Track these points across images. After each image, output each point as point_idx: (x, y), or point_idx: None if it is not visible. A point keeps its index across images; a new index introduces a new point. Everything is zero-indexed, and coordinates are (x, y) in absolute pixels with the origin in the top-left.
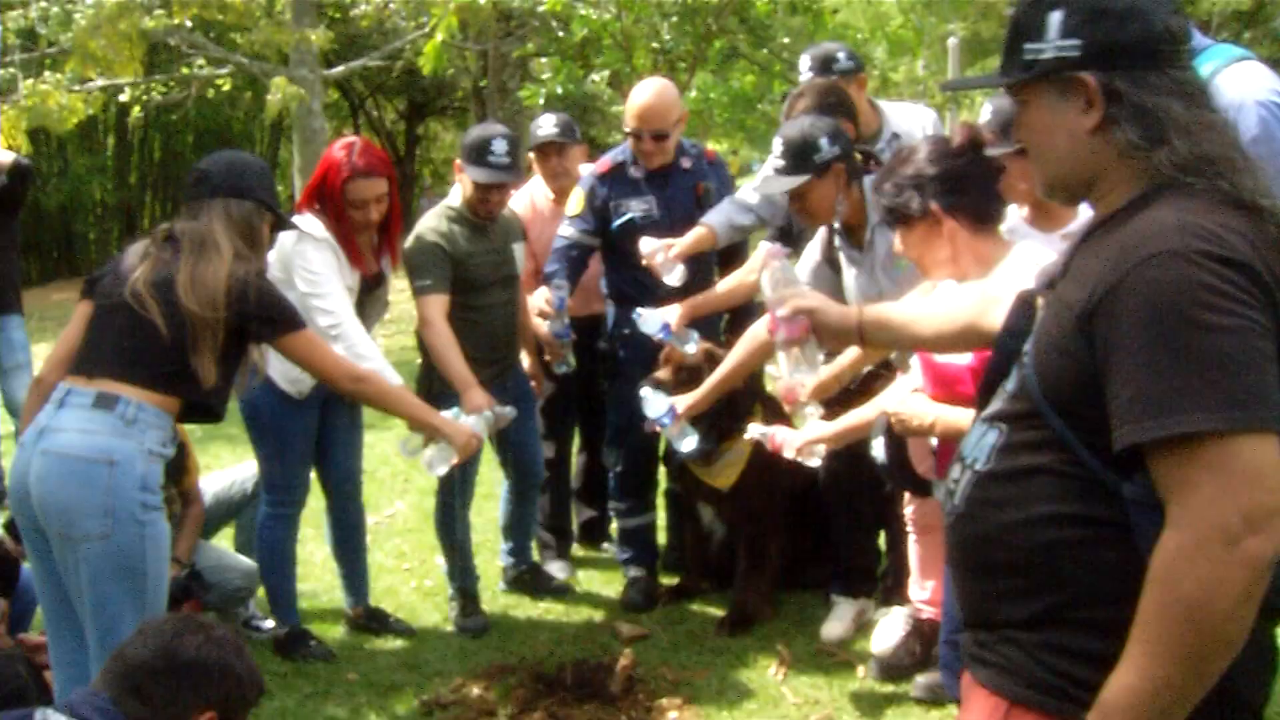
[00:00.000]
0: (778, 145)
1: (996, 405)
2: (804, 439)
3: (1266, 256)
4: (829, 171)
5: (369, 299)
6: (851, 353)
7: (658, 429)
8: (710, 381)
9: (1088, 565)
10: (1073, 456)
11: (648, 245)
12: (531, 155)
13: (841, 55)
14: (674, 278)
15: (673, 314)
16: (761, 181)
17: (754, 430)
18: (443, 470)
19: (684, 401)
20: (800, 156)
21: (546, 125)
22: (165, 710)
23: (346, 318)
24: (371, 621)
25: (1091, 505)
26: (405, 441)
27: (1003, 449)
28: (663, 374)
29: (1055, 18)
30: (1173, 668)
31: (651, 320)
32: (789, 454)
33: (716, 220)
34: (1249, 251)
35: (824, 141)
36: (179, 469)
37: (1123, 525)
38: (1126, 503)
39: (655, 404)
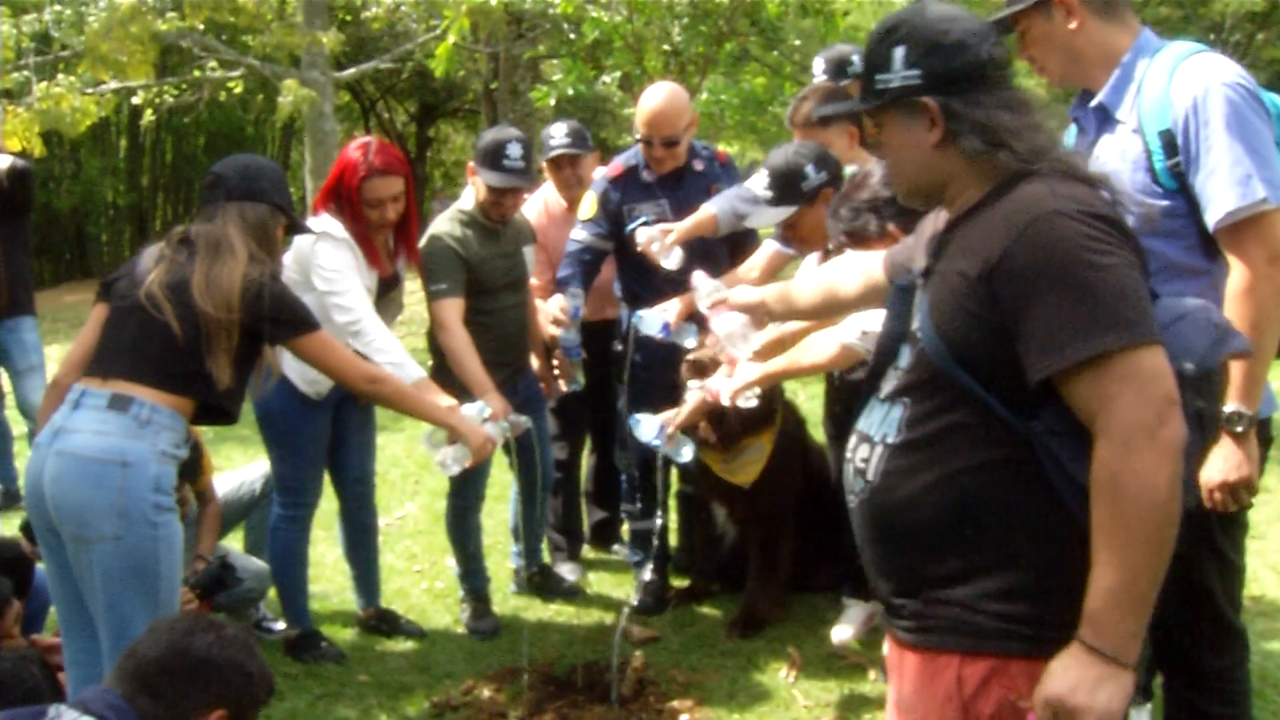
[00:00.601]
0: (764, 176)
1: (892, 384)
2: (734, 385)
3: (1116, 213)
4: (818, 198)
5: (384, 301)
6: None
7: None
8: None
9: (1006, 507)
10: (981, 407)
11: (644, 232)
12: (544, 165)
13: (855, 58)
14: (671, 261)
15: (671, 311)
16: (752, 214)
17: (693, 385)
18: (456, 471)
19: (674, 419)
20: (788, 186)
21: (558, 136)
22: (176, 708)
23: (365, 314)
24: (382, 623)
25: (1003, 449)
26: (430, 435)
27: (911, 419)
28: (706, 353)
29: (899, 53)
30: (1141, 554)
31: (650, 321)
32: (725, 401)
33: (719, 207)
34: (1108, 209)
35: (810, 169)
36: (195, 469)
37: (1033, 463)
38: (1036, 438)
39: (645, 426)
